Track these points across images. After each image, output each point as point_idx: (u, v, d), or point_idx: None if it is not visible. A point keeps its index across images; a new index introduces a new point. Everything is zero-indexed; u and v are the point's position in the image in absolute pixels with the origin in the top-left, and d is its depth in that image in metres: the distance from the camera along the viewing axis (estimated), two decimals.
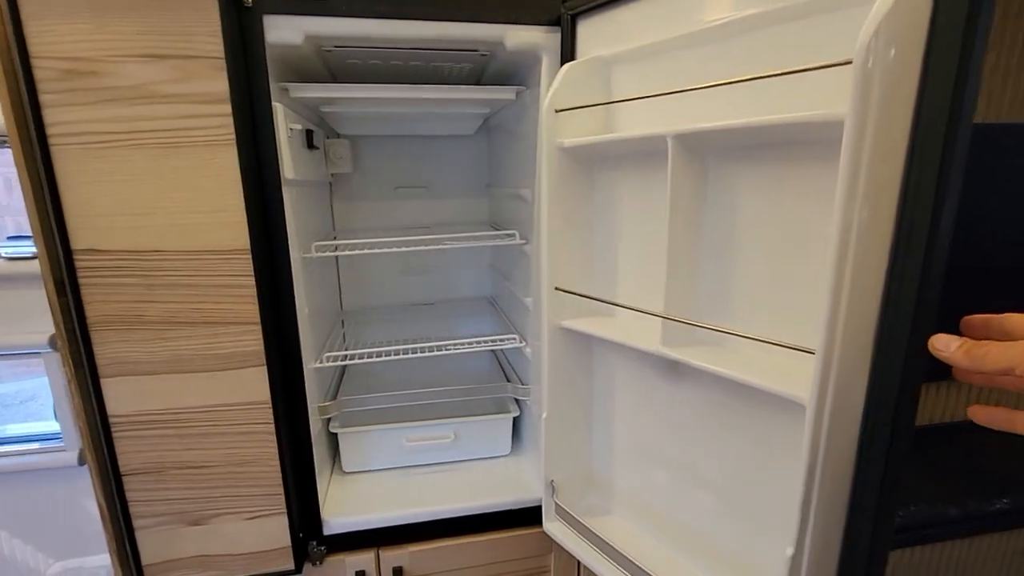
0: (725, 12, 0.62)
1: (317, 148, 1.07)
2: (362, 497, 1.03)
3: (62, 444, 1.41)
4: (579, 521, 0.87)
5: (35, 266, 1.30)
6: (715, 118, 0.58)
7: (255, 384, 0.82)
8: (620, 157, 0.77)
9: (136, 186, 0.73)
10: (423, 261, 1.43)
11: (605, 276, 0.82)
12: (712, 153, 0.64)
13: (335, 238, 1.18)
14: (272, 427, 0.84)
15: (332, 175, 1.31)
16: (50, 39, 0.67)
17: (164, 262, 0.75)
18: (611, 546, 0.81)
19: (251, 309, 0.79)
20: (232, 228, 0.76)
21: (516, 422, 1.16)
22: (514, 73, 0.99)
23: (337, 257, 1.36)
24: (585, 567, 0.86)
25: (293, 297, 0.83)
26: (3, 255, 1.27)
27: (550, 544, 1.04)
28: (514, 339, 1.06)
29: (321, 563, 0.96)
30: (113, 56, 0.68)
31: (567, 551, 0.90)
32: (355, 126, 1.20)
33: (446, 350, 1.04)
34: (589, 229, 0.81)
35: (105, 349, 0.77)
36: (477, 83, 1.10)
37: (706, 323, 0.65)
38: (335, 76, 1.02)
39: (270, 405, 0.83)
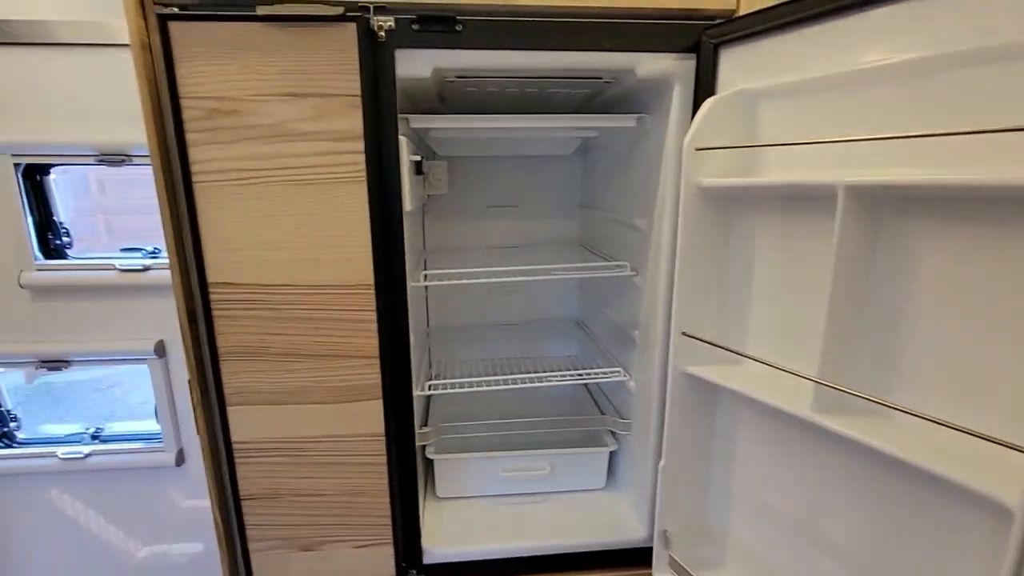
0: (900, 50, 0.55)
1: (423, 174, 1.06)
2: (459, 526, 1.02)
3: (162, 445, 1.49)
4: None
5: (144, 278, 1.37)
6: (886, 165, 0.52)
7: (371, 416, 0.82)
8: (762, 200, 0.72)
9: (270, 222, 0.73)
10: (511, 281, 1.41)
11: (736, 324, 0.77)
12: (889, 205, 0.58)
13: (425, 260, 1.17)
14: (384, 459, 0.84)
15: (427, 196, 1.30)
16: (198, 80, 0.68)
17: (292, 296, 0.76)
18: None
19: (371, 343, 0.79)
20: (357, 264, 0.75)
21: (611, 456, 1.12)
22: (633, 99, 0.94)
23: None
24: None
25: (408, 328, 0.82)
26: (118, 267, 1.34)
27: None
28: (618, 372, 1.02)
29: None
30: (254, 96, 0.69)
31: None
32: (455, 148, 1.19)
33: (547, 381, 1.02)
34: (721, 274, 0.76)
35: (232, 378, 0.79)
36: (584, 106, 1.06)
37: (869, 394, 0.59)
38: (444, 101, 1.00)
39: (383, 437, 0.83)
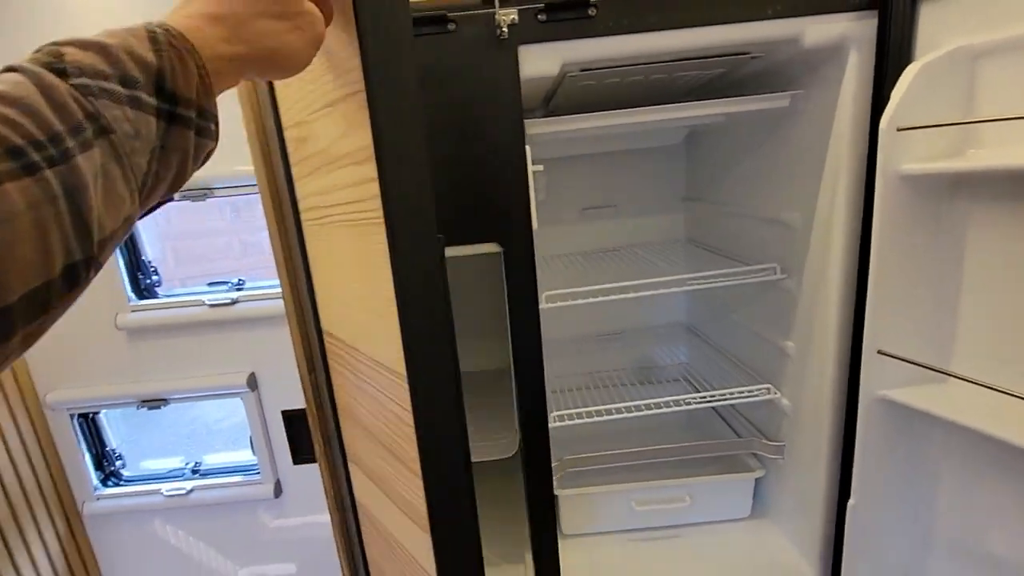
0: None
1: None
2: (593, 569, 0.92)
3: (259, 477, 1.46)
4: None
5: (233, 311, 1.34)
6: None
7: None
8: (986, 184, 0.57)
9: (341, 270, 0.64)
10: (636, 296, 1.29)
11: (946, 340, 0.63)
12: None
13: None
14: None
15: None
16: (288, 104, 0.59)
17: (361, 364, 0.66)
18: None
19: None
20: None
21: (757, 482, 0.99)
22: (775, 75, 0.80)
23: None
24: None
25: (542, 366, 0.73)
26: (207, 302, 1.31)
27: None
28: (764, 390, 0.89)
29: None
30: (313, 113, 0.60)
31: None
32: (553, 149, 1.08)
33: (685, 405, 0.90)
34: (928, 281, 0.62)
35: (347, 435, 0.71)
36: (703, 88, 0.92)
37: None
38: (548, 102, 0.90)
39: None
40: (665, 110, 0.73)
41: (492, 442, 0.90)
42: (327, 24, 0.41)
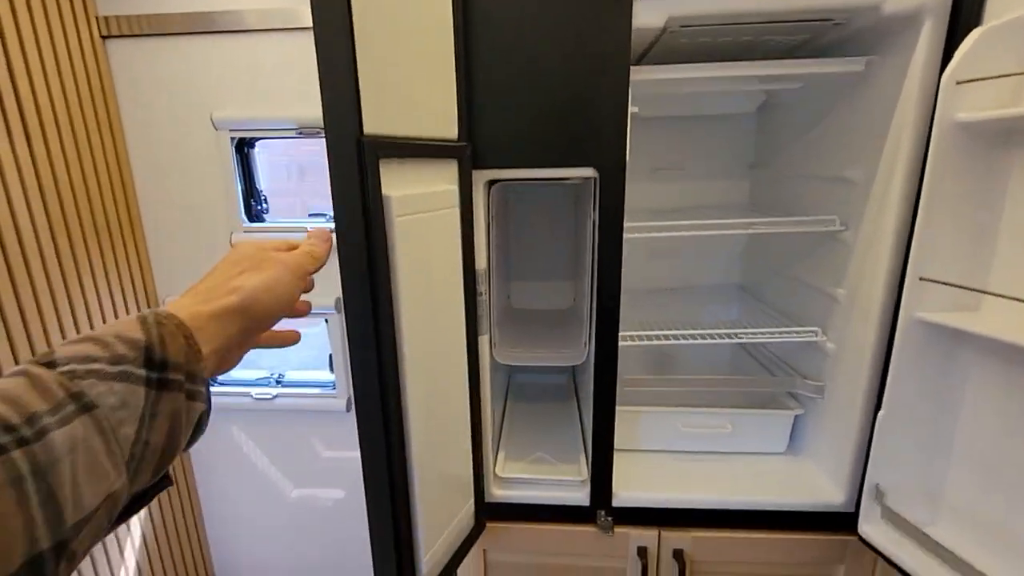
0: None
1: None
2: (640, 474, 1.05)
3: (335, 392, 1.65)
4: (916, 528, 0.79)
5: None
6: None
7: None
8: None
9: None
10: (672, 244, 1.40)
11: (983, 270, 0.72)
12: None
13: None
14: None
15: None
16: None
17: None
18: (964, 561, 0.72)
19: None
20: None
21: (794, 421, 1.09)
22: (851, 42, 0.90)
23: None
24: None
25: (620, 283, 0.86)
26: (309, 228, 1.49)
27: (842, 554, 0.97)
28: (812, 332, 0.99)
29: (613, 533, 0.99)
30: None
31: (887, 559, 0.82)
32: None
33: (738, 338, 1.01)
34: (970, 214, 0.72)
35: None
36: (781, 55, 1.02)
37: None
38: (640, 58, 1.01)
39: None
40: (755, 66, 0.83)
41: (566, 352, 1.04)
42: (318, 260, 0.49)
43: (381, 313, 0.65)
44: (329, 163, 0.61)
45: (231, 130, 1.44)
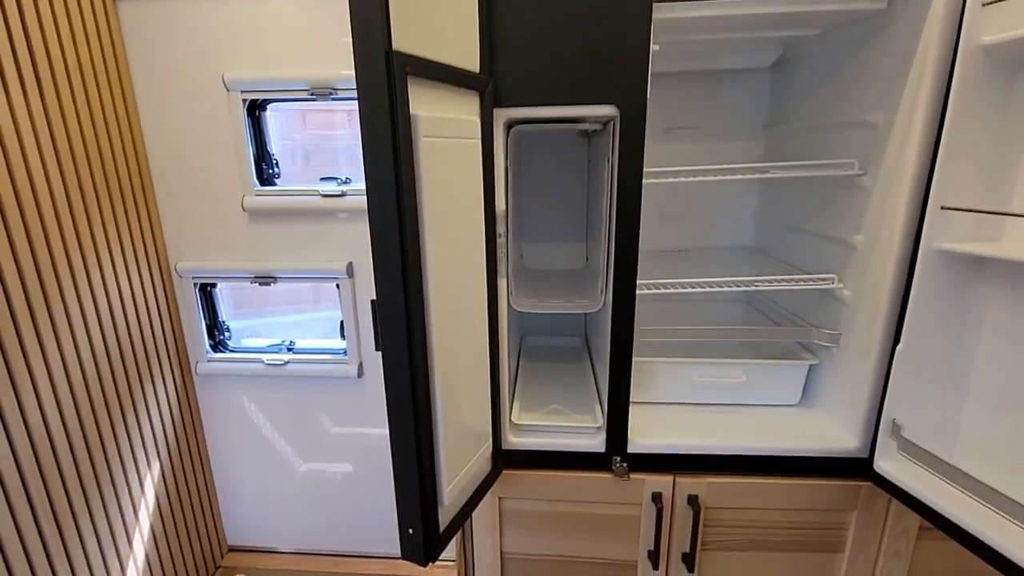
0: None
1: None
2: (654, 423, 1.05)
3: (346, 358, 1.65)
4: (934, 456, 0.79)
5: (342, 202, 1.52)
6: None
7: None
8: None
9: None
10: (682, 207, 1.40)
11: (1005, 196, 0.72)
12: None
13: None
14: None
15: None
16: None
17: None
18: (985, 484, 0.72)
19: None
20: None
21: (809, 372, 1.10)
22: None
23: None
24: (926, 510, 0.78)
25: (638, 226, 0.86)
26: (320, 192, 1.49)
27: (854, 500, 0.98)
28: (831, 280, 0.99)
29: (628, 478, 1.00)
30: None
31: (904, 493, 0.83)
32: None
33: (755, 286, 1.01)
34: (992, 141, 0.72)
35: None
36: None
37: None
38: None
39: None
40: (778, 2, 0.83)
41: (582, 302, 1.04)
42: None
43: (407, 230, 0.65)
44: (357, 81, 0.61)
45: (243, 91, 1.44)
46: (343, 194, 1.51)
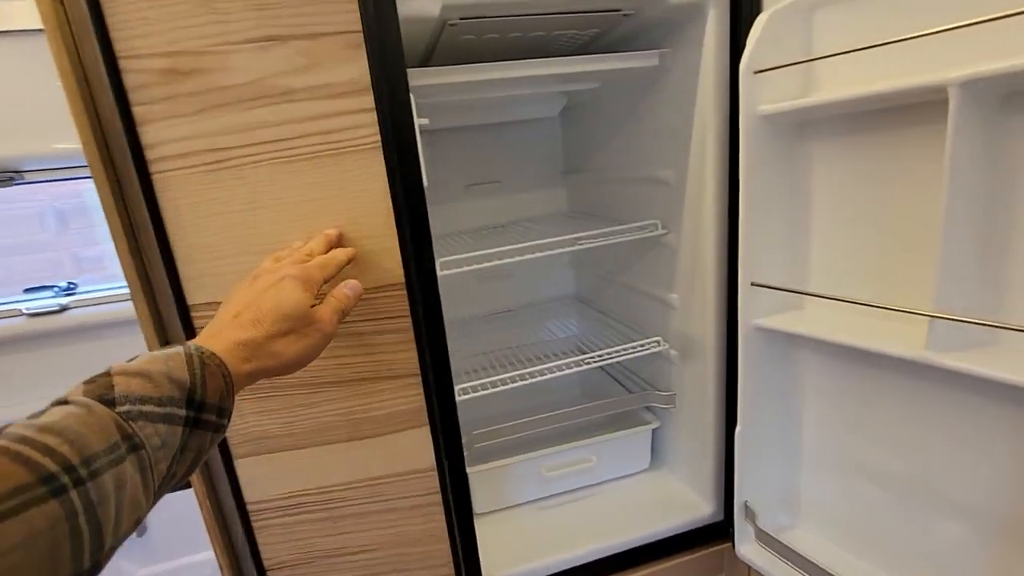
0: None
1: None
2: (509, 543, 0.90)
3: None
4: (787, 548, 0.76)
5: (63, 320, 1.11)
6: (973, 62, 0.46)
7: (416, 448, 0.67)
8: (824, 122, 0.65)
9: (259, 216, 0.57)
10: (503, 266, 1.28)
11: (810, 268, 0.70)
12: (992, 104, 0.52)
13: None
14: (439, 496, 0.70)
15: None
16: (140, 31, 0.49)
17: None
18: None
19: (409, 357, 0.64)
20: (383, 258, 0.60)
21: (653, 434, 1.04)
22: (642, 37, 0.85)
23: None
24: None
25: (444, 333, 0.68)
26: (24, 311, 1.06)
27: (720, 563, 0.94)
28: (654, 343, 0.93)
29: None
30: (220, 45, 0.52)
31: None
32: (436, 116, 1.04)
33: (585, 365, 0.91)
34: (792, 213, 0.69)
35: (236, 424, 0.61)
36: (579, 53, 0.95)
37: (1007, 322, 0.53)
38: (427, 60, 0.86)
39: (435, 471, 0.69)
40: (544, 64, 0.73)
41: None
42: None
43: None
44: None
45: None
46: (63, 308, 1.10)
